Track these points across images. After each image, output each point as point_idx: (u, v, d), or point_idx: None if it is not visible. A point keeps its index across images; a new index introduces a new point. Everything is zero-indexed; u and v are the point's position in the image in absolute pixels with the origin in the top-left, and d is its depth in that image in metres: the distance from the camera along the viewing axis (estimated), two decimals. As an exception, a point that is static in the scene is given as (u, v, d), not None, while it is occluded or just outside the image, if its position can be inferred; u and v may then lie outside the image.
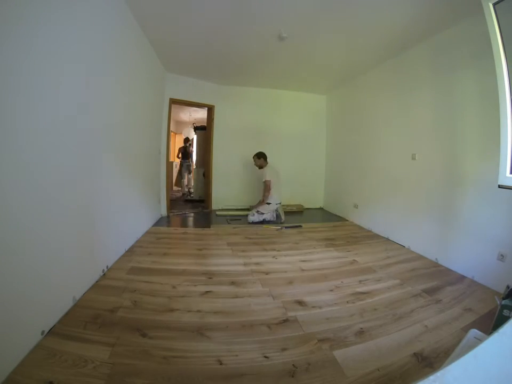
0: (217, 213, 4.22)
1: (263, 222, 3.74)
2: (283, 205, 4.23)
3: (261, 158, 3.98)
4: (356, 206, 3.98)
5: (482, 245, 2.07)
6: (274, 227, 3.49)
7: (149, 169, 3.30)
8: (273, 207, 3.82)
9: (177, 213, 4.22)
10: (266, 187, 3.76)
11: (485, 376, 0.43)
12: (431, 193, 2.60)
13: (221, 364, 1.13)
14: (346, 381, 1.07)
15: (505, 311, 1.28)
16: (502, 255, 1.91)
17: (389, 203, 3.21)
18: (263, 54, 3.22)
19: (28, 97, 1.14)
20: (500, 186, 1.61)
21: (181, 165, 6.69)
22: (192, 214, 4.25)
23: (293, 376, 1.08)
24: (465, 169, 2.25)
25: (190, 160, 6.83)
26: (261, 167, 3.97)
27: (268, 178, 3.74)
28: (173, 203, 4.53)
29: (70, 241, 1.50)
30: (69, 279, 1.48)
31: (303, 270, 2.17)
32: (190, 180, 6.55)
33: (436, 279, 2.09)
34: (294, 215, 4.42)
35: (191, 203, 5.29)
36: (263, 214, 3.75)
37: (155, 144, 3.60)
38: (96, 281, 1.78)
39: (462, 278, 2.14)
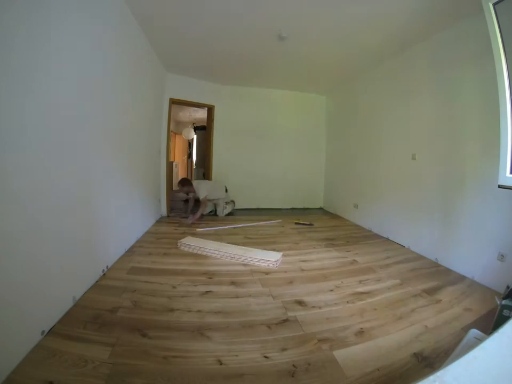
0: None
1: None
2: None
3: (185, 185, 3.84)
4: (355, 206, 3.98)
5: (482, 245, 2.07)
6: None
7: (149, 169, 3.30)
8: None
9: (178, 213, 4.22)
10: (204, 204, 3.78)
11: (485, 376, 0.43)
12: (431, 193, 2.60)
13: (221, 364, 1.13)
14: (346, 381, 1.07)
15: (505, 311, 1.28)
16: (502, 255, 1.91)
17: (389, 203, 3.21)
18: (263, 54, 3.22)
19: (28, 98, 1.14)
20: (500, 186, 1.61)
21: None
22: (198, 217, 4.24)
23: (293, 376, 1.08)
24: (465, 169, 2.25)
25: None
26: (188, 192, 3.89)
27: (203, 196, 3.72)
28: (173, 203, 4.52)
29: (70, 241, 1.50)
30: (69, 279, 1.48)
31: (303, 270, 2.17)
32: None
33: (436, 279, 2.09)
34: (296, 214, 4.43)
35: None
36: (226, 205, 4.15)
37: (155, 144, 3.60)
38: (96, 281, 1.78)
39: (462, 278, 2.14)
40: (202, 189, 3.74)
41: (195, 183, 3.90)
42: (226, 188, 4.18)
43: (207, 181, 4.30)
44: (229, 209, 4.19)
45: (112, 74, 2.05)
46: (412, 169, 2.85)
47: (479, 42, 2.12)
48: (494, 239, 1.98)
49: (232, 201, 4.37)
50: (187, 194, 3.95)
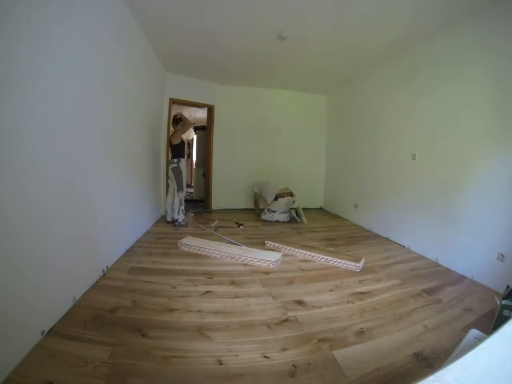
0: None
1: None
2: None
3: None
4: (355, 206, 3.98)
5: (482, 245, 2.06)
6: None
7: (148, 169, 3.30)
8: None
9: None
10: None
11: (485, 376, 0.43)
12: (431, 193, 2.60)
13: (221, 364, 1.13)
14: (346, 381, 1.07)
15: (505, 311, 1.28)
16: (502, 255, 1.91)
17: (389, 203, 3.21)
18: (263, 54, 3.22)
19: (28, 98, 1.14)
20: None
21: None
22: (192, 214, 4.24)
23: (293, 376, 1.08)
24: (465, 169, 2.25)
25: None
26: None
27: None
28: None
29: (70, 241, 1.50)
30: (69, 279, 1.48)
31: (303, 270, 2.17)
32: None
33: (436, 279, 2.09)
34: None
35: (191, 203, 5.30)
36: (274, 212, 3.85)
37: (155, 144, 3.59)
38: (96, 281, 1.78)
39: (462, 278, 2.14)
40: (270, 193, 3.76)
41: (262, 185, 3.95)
42: (279, 198, 3.83)
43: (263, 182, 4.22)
44: (273, 217, 3.86)
45: (112, 74, 2.05)
46: (412, 169, 2.85)
47: (480, 42, 2.13)
48: (494, 239, 1.98)
49: (289, 211, 3.97)
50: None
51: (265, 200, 3.90)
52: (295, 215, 3.95)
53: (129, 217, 2.54)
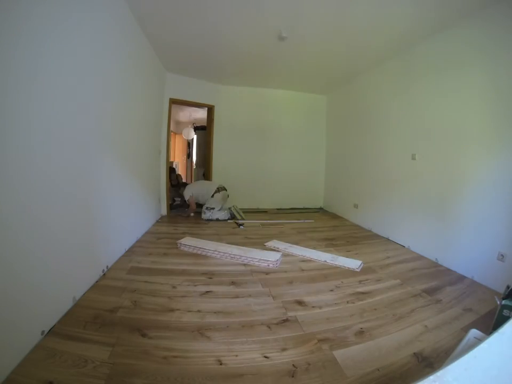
0: None
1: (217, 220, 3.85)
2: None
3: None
4: (355, 206, 3.98)
5: (482, 245, 2.07)
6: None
7: (149, 169, 3.30)
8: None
9: (177, 213, 4.22)
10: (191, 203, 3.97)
11: (485, 376, 0.43)
12: (431, 193, 2.60)
13: (221, 364, 1.13)
14: (346, 381, 1.07)
15: (505, 311, 1.28)
16: (502, 255, 1.91)
17: (389, 203, 3.21)
18: (263, 54, 3.22)
19: (29, 98, 1.14)
20: None
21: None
22: (192, 214, 4.24)
23: (293, 376, 1.08)
24: (465, 169, 2.25)
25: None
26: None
27: (187, 197, 3.94)
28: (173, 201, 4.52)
29: (70, 241, 1.50)
30: (69, 279, 1.48)
31: (303, 270, 2.17)
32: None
33: (436, 279, 2.09)
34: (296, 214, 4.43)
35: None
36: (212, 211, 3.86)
37: (155, 144, 3.60)
38: (96, 281, 1.78)
39: (462, 278, 2.14)
40: (186, 191, 3.90)
41: (186, 187, 4.00)
42: (215, 194, 3.88)
43: (198, 182, 4.31)
44: (212, 215, 3.82)
45: (112, 74, 2.05)
46: (412, 169, 2.85)
47: (480, 43, 2.13)
48: (494, 239, 1.98)
49: (228, 209, 4.00)
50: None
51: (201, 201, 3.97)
52: (235, 213, 3.98)
53: (129, 217, 2.54)
